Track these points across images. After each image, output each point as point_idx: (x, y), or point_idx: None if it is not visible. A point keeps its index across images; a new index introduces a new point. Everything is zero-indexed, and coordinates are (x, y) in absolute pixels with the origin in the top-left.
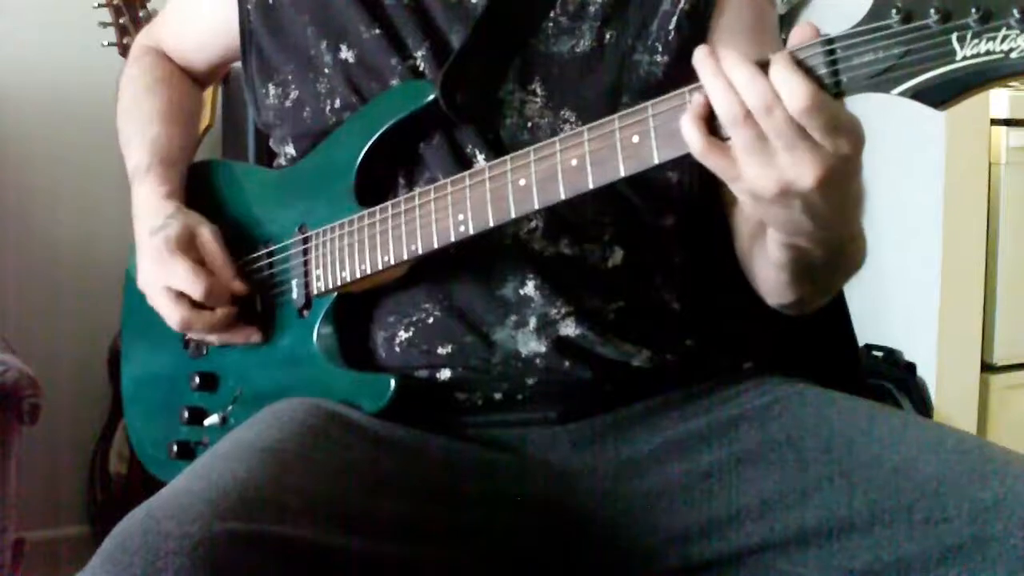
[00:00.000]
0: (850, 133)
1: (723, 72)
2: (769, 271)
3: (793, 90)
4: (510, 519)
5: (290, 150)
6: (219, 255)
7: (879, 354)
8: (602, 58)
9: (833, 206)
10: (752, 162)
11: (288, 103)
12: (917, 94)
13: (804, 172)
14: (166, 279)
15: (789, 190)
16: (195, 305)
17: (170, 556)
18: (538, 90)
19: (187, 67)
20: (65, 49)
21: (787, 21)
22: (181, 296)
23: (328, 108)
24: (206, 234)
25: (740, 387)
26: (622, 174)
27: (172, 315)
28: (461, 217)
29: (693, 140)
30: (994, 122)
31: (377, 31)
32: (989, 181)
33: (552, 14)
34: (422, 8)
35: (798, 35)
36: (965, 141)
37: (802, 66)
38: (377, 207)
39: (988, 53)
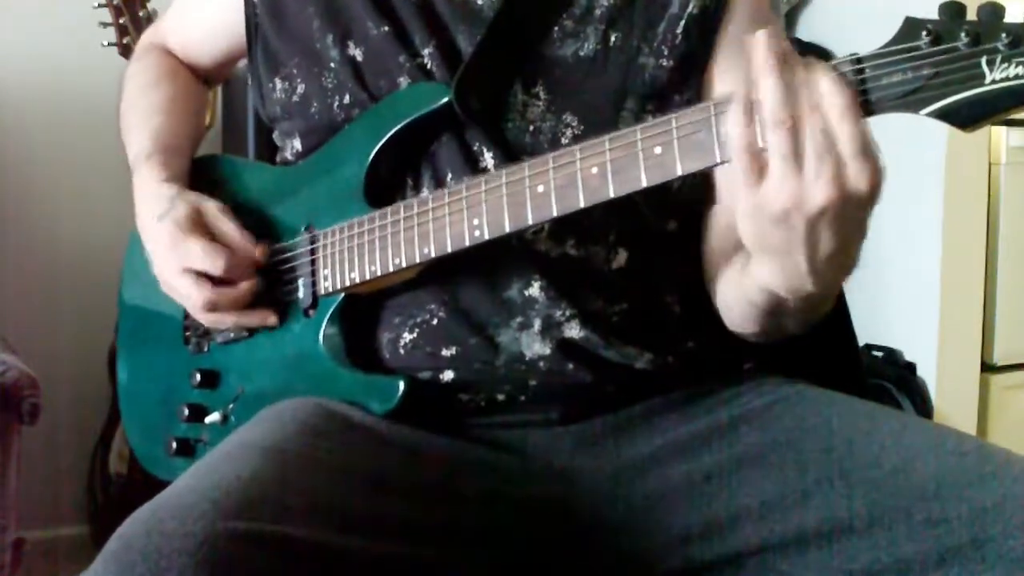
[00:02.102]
0: (875, 167)
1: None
2: (739, 300)
3: (834, 90)
4: (511, 519)
5: (296, 144)
6: (231, 227)
7: (879, 354)
8: (606, 61)
9: (829, 247)
10: (778, 171)
11: (296, 98)
12: (945, 115)
13: (819, 189)
14: (183, 260)
15: (799, 207)
16: (216, 284)
17: (174, 555)
18: (541, 93)
19: (192, 64)
20: (65, 49)
21: (787, 21)
22: (201, 276)
23: (336, 104)
24: (212, 210)
25: (740, 388)
26: (644, 184)
27: (196, 296)
28: (476, 222)
29: (737, 133)
30: (994, 122)
31: (385, 28)
32: (989, 181)
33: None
34: (429, 6)
35: None
36: (965, 141)
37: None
38: (388, 208)
39: (1017, 77)
